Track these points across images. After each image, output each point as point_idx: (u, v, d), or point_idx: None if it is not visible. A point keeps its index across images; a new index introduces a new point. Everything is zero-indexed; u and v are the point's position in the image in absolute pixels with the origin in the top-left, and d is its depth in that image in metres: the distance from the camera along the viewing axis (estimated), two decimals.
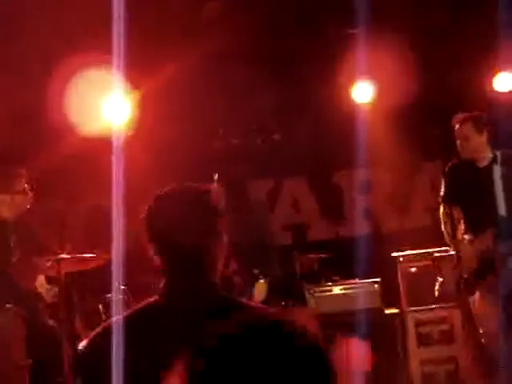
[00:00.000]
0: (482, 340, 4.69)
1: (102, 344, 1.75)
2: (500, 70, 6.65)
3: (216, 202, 1.88)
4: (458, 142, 4.82)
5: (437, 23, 6.54)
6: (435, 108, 7.33)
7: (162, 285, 1.82)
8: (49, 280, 4.87)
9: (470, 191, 4.84)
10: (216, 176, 5.19)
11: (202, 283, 1.81)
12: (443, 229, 4.97)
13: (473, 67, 6.64)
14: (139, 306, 1.84)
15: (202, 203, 1.85)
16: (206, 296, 1.79)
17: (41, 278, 4.90)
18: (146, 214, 1.86)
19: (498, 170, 4.76)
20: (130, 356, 1.68)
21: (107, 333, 1.76)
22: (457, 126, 4.82)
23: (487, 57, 6.47)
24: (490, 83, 6.70)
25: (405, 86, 6.73)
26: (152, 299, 1.82)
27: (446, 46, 6.73)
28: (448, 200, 4.96)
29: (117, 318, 1.82)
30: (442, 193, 5.06)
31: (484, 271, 4.67)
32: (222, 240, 1.86)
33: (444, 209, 5.00)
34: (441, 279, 5.59)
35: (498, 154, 4.80)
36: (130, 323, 1.76)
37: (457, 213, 4.93)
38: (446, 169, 5.03)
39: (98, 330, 1.84)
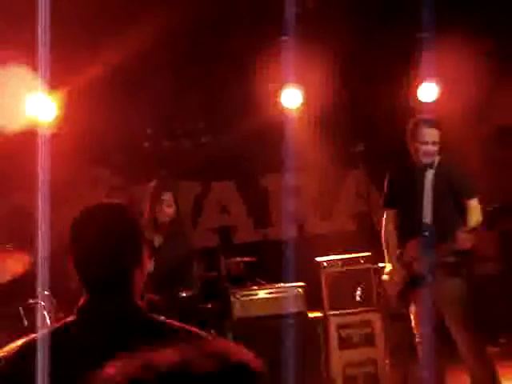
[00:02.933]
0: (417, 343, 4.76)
1: (20, 365, 1.72)
2: (423, 81, 6.82)
3: (136, 225, 1.88)
4: (421, 145, 4.69)
5: (364, 33, 6.67)
6: (361, 115, 7.50)
7: (81, 302, 1.81)
8: None
9: (405, 196, 4.83)
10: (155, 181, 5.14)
11: (123, 303, 1.80)
12: (382, 237, 4.97)
13: (397, 78, 6.81)
14: (55, 326, 1.81)
15: (124, 227, 1.84)
16: (128, 314, 1.79)
17: None
18: (68, 238, 1.83)
19: (429, 176, 4.76)
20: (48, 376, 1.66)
21: (26, 353, 1.73)
22: (428, 129, 4.71)
23: (411, 68, 6.65)
24: (415, 93, 6.88)
25: (331, 93, 6.86)
26: (69, 318, 1.80)
27: (372, 56, 6.88)
28: (387, 204, 4.99)
29: (32, 338, 1.79)
30: (382, 197, 5.07)
31: (412, 284, 4.73)
32: (143, 262, 1.86)
33: (385, 214, 4.97)
34: (361, 286, 5.74)
35: (437, 159, 4.78)
36: (45, 344, 1.73)
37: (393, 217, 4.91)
38: (388, 173, 5.04)
39: (16, 348, 1.80)
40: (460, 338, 4.58)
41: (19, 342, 1.84)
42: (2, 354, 1.86)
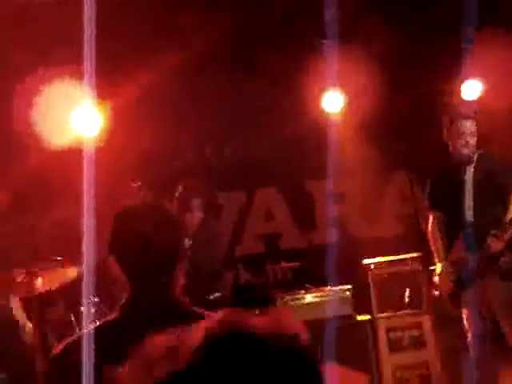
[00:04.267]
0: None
1: (73, 352, 1.77)
2: (467, 79, 6.74)
3: (177, 222, 1.93)
4: (460, 138, 4.66)
5: (406, 35, 6.63)
6: (403, 119, 7.43)
7: (124, 298, 1.84)
8: (24, 302, 4.83)
9: (448, 195, 4.78)
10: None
11: (166, 297, 1.83)
12: (429, 239, 4.91)
13: (441, 79, 6.74)
14: (98, 324, 1.85)
15: (170, 222, 1.90)
16: (170, 308, 1.82)
17: (16, 301, 4.86)
18: (113, 229, 1.88)
19: (469, 172, 4.71)
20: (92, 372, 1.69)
21: (71, 350, 1.77)
22: (462, 122, 4.68)
23: (455, 68, 6.57)
24: (458, 92, 6.79)
25: (374, 96, 6.82)
26: (111, 316, 1.84)
27: (415, 58, 6.82)
28: (432, 206, 4.93)
29: (77, 336, 1.83)
30: (426, 200, 5.01)
31: (461, 285, 4.67)
32: (185, 258, 1.91)
33: (430, 217, 4.91)
34: (409, 288, 5.67)
35: (476, 154, 4.73)
36: (90, 341, 1.77)
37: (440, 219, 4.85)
38: (431, 174, 4.99)
39: (61, 346, 1.85)
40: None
41: (66, 341, 1.89)
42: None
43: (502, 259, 4.51)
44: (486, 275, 4.54)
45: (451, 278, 4.69)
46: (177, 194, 5.12)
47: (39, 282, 4.57)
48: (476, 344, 4.59)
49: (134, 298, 1.83)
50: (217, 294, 4.87)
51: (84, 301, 4.39)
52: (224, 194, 7.97)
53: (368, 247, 6.88)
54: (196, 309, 1.85)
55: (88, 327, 1.88)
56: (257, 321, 1.01)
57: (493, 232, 4.41)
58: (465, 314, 4.68)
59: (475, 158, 4.71)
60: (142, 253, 1.84)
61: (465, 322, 4.69)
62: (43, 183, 6.74)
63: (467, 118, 4.71)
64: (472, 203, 4.62)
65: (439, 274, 4.78)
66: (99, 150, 5.85)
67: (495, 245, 4.42)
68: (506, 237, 4.41)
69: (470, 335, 4.66)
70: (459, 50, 6.06)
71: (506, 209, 4.59)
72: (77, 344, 1.80)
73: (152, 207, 1.98)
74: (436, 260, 4.85)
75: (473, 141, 4.67)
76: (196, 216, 4.97)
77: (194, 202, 4.98)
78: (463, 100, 6.54)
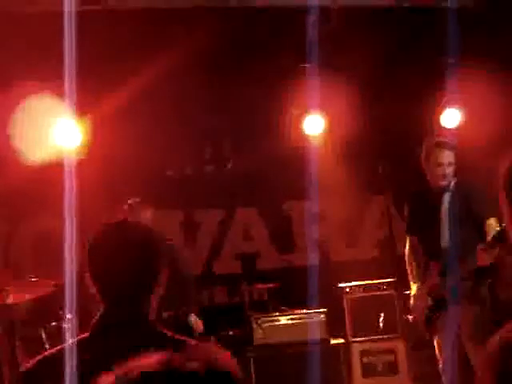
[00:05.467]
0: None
1: (44, 369, 1.76)
2: (447, 106, 6.82)
3: (155, 241, 1.91)
4: (437, 167, 4.69)
5: (387, 59, 6.70)
6: (384, 142, 7.49)
7: (96, 317, 1.83)
8: None
9: (424, 221, 4.80)
10: (129, 201, 5.17)
11: (138, 318, 1.81)
12: (406, 263, 4.93)
13: (420, 104, 6.81)
14: (70, 342, 1.83)
15: (144, 243, 1.87)
16: (142, 329, 1.80)
17: None
18: (87, 250, 1.86)
19: (446, 199, 4.73)
20: None
21: (40, 367, 1.76)
22: (443, 151, 4.70)
23: (434, 94, 6.65)
24: (438, 119, 6.87)
25: (355, 119, 6.87)
26: (83, 335, 1.82)
27: (395, 82, 6.89)
28: (408, 231, 4.95)
29: (49, 353, 1.82)
30: (405, 223, 5.01)
31: (436, 309, 4.68)
32: (160, 278, 1.88)
33: (408, 241, 4.93)
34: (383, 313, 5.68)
35: (453, 181, 4.76)
36: (59, 359, 1.76)
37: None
38: (407, 199, 5.01)
39: (32, 363, 1.83)
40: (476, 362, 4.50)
41: (36, 358, 1.87)
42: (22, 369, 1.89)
43: (468, 283, 4.54)
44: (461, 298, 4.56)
45: (427, 303, 4.71)
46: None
47: (11, 298, 4.52)
48: (447, 369, 4.61)
49: (105, 318, 1.82)
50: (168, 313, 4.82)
51: (66, 315, 4.35)
52: (203, 211, 7.96)
53: (345, 270, 6.90)
54: (167, 333, 1.84)
55: (64, 344, 1.86)
56: (193, 359, 1.08)
57: (481, 246, 4.42)
58: (437, 339, 4.70)
59: (452, 185, 4.75)
60: (116, 273, 1.83)
61: (436, 349, 4.71)
62: (23, 196, 6.69)
63: (446, 148, 4.74)
64: (448, 230, 4.65)
65: (414, 298, 4.80)
66: (80, 163, 5.83)
67: (483, 258, 4.42)
68: (494, 253, 4.42)
69: (441, 362, 4.68)
70: (440, 78, 6.15)
71: (480, 234, 4.63)
72: (48, 361, 1.79)
73: (130, 226, 1.95)
74: (411, 283, 4.88)
75: (450, 171, 4.71)
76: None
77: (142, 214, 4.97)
78: (442, 128, 6.61)
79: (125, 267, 1.82)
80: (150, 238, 1.91)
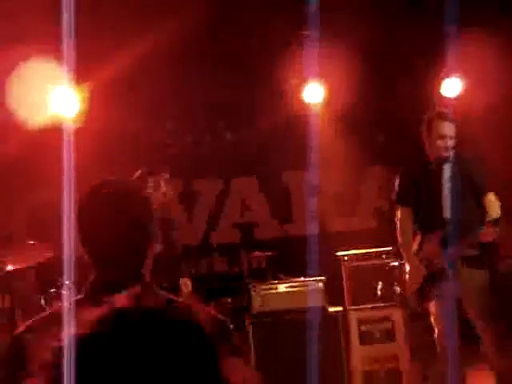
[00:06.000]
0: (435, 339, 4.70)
1: (35, 332, 1.76)
2: (447, 76, 6.78)
3: (147, 200, 1.87)
4: (439, 139, 4.64)
5: (387, 28, 6.64)
6: (383, 112, 7.46)
7: (90, 280, 1.82)
8: None
9: (422, 192, 4.76)
10: (139, 172, 5.12)
11: (133, 277, 1.80)
12: (398, 236, 4.91)
13: (421, 73, 6.77)
14: (65, 303, 1.82)
15: (135, 201, 1.83)
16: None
17: None
18: (76, 212, 1.83)
19: (447, 171, 4.70)
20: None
21: (40, 324, 1.76)
22: (445, 123, 4.65)
23: (435, 63, 6.61)
24: (438, 89, 6.83)
25: (354, 88, 6.83)
26: (78, 297, 1.81)
27: (395, 51, 6.85)
28: (401, 202, 4.93)
29: (45, 314, 1.82)
30: (395, 195, 5.03)
31: (432, 279, 4.68)
32: (153, 241, 1.85)
33: (399, 212, 4.87)
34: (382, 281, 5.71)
35: (451, 153, 4.71)
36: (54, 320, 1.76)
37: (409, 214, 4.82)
38: (400, 170, 4.98)
39: (28, 323, 1.82)
40: (483, 328, 4.53)
41: (30, 320, 1.86)
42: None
43: (472, 250, 4.55)
44: (461, 267, 4.57)
45: (419, 274, 4.70)
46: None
47: (9, 266, 4.53)
48: (444, 338, 4.63)
49: (97, 281, 1.80)
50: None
51: (59, 283, 4.37)
52: (202, 180, 7.96)
53: (343, 240, 6.92)
54: (164, 293, 1.82)
55: (55, 307, 1.85)
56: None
57: (489, 219, 4.42)
58: (432, 309, 4.70)
59: (451, 157, 4.73)
60: (104, 234, 1.78)
61: (432, 317, 4.72)
62: (21, 165, 6.67)
63: (447, 120, 4.70)
64: (450, 201, 4.63)
65: (407, 272, 4.80)
66: (76, 132, 5.80)
67: (486, 234, 4.43)
68: (498, 230, 4.42)
69: (437, 330, 4.70)
70: (441, 47, 6.10)
71: (481, 208, 4.63)
72: (40, 323, 1.78)
73: (119, 184, 1.86)
74: (404, 256, 4.86)
75: (451, 143, 4.69)
76: (162, 192, 4.91)
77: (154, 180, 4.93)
78: (444, 99, 6.57)
79: (114, 229, 1.77)
80: (139, 194, 1.86)
